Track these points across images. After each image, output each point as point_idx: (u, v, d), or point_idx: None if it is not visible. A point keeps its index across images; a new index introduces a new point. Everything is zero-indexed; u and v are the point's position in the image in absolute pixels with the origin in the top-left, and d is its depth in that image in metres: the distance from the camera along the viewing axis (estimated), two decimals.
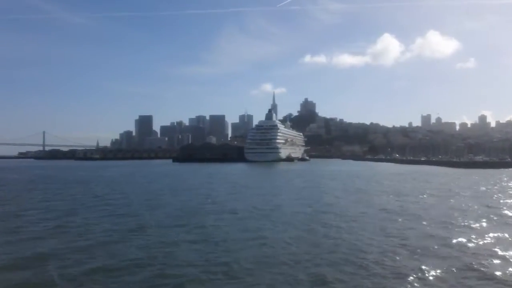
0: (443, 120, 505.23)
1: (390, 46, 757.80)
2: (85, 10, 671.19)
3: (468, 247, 20.63)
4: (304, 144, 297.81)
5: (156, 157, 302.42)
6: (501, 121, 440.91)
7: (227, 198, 43.55)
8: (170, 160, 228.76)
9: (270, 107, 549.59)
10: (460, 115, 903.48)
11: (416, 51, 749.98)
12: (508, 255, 18.87)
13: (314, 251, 19.77)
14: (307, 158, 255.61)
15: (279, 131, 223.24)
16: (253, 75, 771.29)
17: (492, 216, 30.70)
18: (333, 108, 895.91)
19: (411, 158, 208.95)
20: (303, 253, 19.38)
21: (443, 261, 17.83)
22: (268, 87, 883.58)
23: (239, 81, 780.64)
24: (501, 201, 40.92)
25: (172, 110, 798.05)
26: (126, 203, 39.46)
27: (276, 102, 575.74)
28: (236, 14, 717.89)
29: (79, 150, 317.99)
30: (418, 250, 19.74)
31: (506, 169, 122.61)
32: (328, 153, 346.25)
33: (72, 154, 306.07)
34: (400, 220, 29.05)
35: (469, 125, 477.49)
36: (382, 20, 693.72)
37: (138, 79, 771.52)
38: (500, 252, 19.44)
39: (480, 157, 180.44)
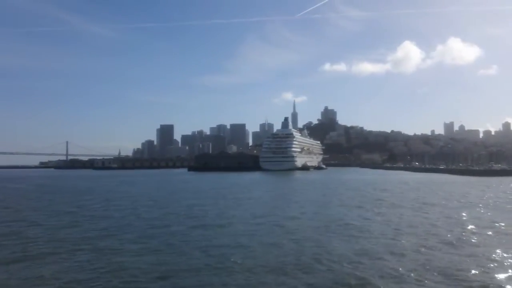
0: (466, 128, 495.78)
1: (410, 53, 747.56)
2: (108, 21, 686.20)
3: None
4: (322, 152, 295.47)
5: (174, 166, 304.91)
6: None
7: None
8: (187, 169, 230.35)
9: (290, 116, 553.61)
10: (483, 122, 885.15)
11: (437, 58, 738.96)
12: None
13: None
14: (324, 166, 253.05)
15: (294, 139, 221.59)
16: (274, 84, 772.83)
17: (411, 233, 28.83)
18: (354, 116, 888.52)
19: (430, 166, 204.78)
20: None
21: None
22: (289, 95, 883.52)
23: (261, 89, 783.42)
24: (464, 215, 38.57)
25: (193, 119, 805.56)
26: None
27: (297, 110, 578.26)
28: (258, 24, 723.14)
29: (97, 159, 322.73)
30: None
31: None
32: (347, 161, 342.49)
33: (91, 164, 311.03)
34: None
35: (493, 133, 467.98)
36: (402, 27, 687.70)
37: (160, 88, 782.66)
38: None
39: (499, 165, 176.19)
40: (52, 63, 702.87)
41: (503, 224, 31.87)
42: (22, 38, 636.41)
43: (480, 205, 45.62)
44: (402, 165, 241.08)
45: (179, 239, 26.33)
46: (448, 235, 26.96)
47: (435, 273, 18.12)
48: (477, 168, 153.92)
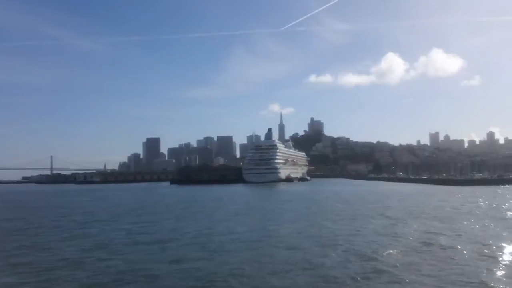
0: (452, 138, 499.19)
1: (394, 65, 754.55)
2: (93, 34, 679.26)
3: None
4: (307, 163, 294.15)
5: (159, 179, 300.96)
6: (509, 138, 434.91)
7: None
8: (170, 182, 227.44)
9: (277, 127, 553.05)
10: (468, 132, 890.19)
11: (421, 69, 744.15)
12: None
13: None
14: (308, 178, 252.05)
15: (278, 151, 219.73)
16: (261, 96, 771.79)
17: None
18: (341, 127, 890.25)
19: (413, 176, 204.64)
20: None
21: None
22: (276, 107, 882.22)
23: (247, 101, 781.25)
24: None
25: (180, 132, 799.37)
26: None
27: (284, 122, 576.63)
28: (244, 36, 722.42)
29: (79, 174, 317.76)
30: None
31: (503, 186, 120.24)
32: (333, 172, 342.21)
33: (74, 178, 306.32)
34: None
35: (477, 142, 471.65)
36: (386, 39, 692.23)
37: (146, 101, 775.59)
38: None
39: (480, 174, 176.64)
40: (37, 77, 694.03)
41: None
42: (5, 52, 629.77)
43: (433, 216, 44.61)
44: (386, 176, 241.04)
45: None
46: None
47: None
48: (459, 178, 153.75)
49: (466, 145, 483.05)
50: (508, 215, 45.28)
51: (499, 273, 20.20)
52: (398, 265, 21.72)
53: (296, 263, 22.66)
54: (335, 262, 22.84)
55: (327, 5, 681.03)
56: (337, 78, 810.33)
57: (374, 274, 20.06)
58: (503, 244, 27.09)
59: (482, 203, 60.83)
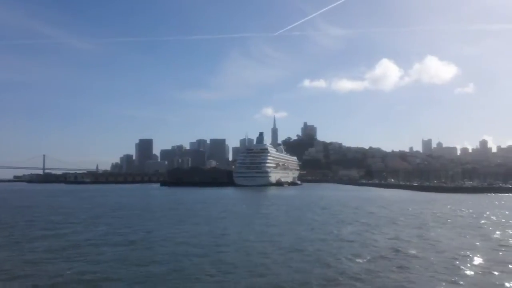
0: (444, 145, 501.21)
1: (388, 71, 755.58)
2: (87, 34, 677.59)
3: None
4: (298, 168, 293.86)
5: (150, 181, 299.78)
6: (502, 146, 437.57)
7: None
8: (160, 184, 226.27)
9: (270, 131, 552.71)
10: (462, 140, 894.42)
11: (415, 76, 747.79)
12: None
13: None
14: (299, 182, 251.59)
15: (269, 154, 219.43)
16: (255, 99, 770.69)
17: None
18: (334, 132, 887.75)
19: (403, 183, 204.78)
20: None
21: None
22: (269, 111, 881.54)
23: (241, 105, 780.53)
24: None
25: (173, 134, 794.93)
26: None
27: (277, 126, 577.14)
28: (240, 40, 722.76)
29: (70, 173, 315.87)
30: None
31: (493, 194, 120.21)
32: (325, 177, 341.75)
33: (65, 178, 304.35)
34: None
35: (470, 150, 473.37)
36: (381, 45, 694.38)
37: (140, 103, 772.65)
38: None
39: (471, 182, 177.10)
40: (30, 76, 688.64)
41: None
42: (1, 50, 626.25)
43: (409, 223, 44.64)
44: (377, 181, 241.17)
45: None
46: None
47: None
48: (448, 185, 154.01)
49: (458, 152, 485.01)
50: (486, 224, 45.07)
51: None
52: (348, 273, 21.48)
53: (237, 266, 22.57)
54: (282, 264, 22.65)
55: (322, 10, 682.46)
56: (331, 83, 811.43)
57: (321, 281, 19.86)
58: (469, 254, 26.69)
59: (464, 211, 60.81)
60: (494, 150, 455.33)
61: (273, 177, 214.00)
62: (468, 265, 23.55)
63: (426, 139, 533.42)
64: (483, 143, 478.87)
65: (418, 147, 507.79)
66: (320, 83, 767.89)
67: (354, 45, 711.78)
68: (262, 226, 41.80)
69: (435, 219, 49.20)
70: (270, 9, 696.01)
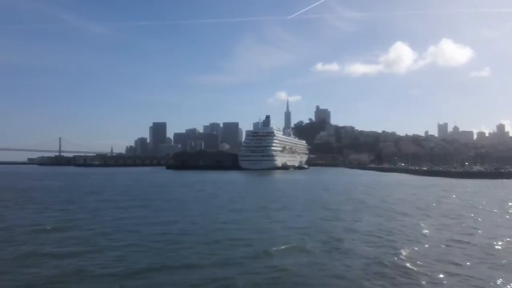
0: (461, 129, 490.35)
1: (403, 54, 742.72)
2: (103, 19, 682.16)
3: None
4: (307, 152, 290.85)
5: (159, 164, 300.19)
6: None
7: None
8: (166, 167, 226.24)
9: (284, 115, 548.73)
10: (479, 124, 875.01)
11: (429, 59, 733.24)
12: None
13: None
14: (306, 166, 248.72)
15: (275, 138, 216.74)
16: (269, 83, 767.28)
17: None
18: (347, 116, 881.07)
19: (412, 167, 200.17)
20: None
21: None
22: (283, 95, 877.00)
23: (255, 88, 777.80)
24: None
25: (187, 118, 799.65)
26: None
27: (291, 109, 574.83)
28: (253, 23, 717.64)
29: (79, 156, 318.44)
30: None
31: (496, 180, 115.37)
32: (334, 161, 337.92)
33: (75, 161, 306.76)
34: None
35: (487, 134, 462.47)
36: (396, 28, 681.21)
37: (154, 86, 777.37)
38: None
39: (478, 166, 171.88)
40: (47, 60, 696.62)
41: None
42: (15, 35, 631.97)
43: (382, 210, 41.37)
44: (386, 166, 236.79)
45: None
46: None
47: None
48: (453, 170, 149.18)
49: (475, 137, 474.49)
50: (460, 213, 40.41)
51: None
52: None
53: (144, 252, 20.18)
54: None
55: None
56: (344, 66, 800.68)
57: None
58: (416, 249, 23.38)
59: (447, 198, 55.98)
60: (511, 134, 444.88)
61: (279, 160, 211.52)
62: None
63: (442, 123, 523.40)
64: (500, 127, 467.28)
65: (434, 132, 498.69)
66: (333, 67, 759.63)
67: (369, 28, 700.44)
68: (231, 210, 39.43)
69: (412, 206, 45.60)
70: None
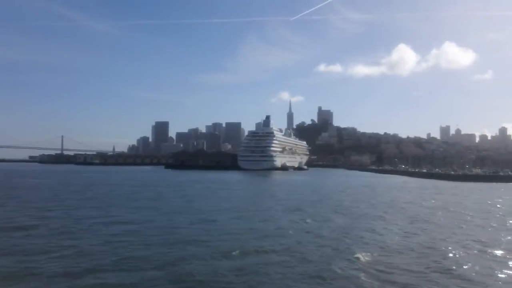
0: (463, 132, 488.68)
1: (405, 56, 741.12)
2: (106, 17, 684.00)
3: None
4: (307, 153, 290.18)
5: (159, 163, 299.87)
6: None
7: None
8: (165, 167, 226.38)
9: (286, 116, 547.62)
10: (481, 127, 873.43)
11: (432, 62, 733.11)
12: None
13: None
14: (305, 167, 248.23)
15: (275, 138, 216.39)
16: (272, 83, 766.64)
17: None
18: (349, 117, 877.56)
19: (412, 170, 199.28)
20: None
21: None
22: (286, 95, 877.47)
23: (258, 88, 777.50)
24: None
25: (189, 117, 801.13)
26: None
27: (293, 110, 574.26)
28: (258, 23, 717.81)
29: (79, 154, 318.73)
30: None
31: (491, 183, 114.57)
32: (335, 162, 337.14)
33: (75, 159, 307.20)
34: None
35: (489, 137, 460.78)
36: (399, 30, 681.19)
37: (157, 85, 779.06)
38: None
39: (478, 169, 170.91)
40: (50, 58, 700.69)
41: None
42: (20, 32, 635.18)
43: (360, 213, 40.97)
44: (387, 168, 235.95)
45: None
46: None
47: None
48: (454, 173, 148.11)
49: (477, 140, 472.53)
50: (436, 219, 39.37)
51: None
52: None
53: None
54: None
55: None
56: (347, 68, 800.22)
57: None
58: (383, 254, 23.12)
59: (433, 202, 55.12)
60: None
61: (279, 161, 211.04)
62: None
63: (444, 125, 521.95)
64: (503, 130, 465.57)
65: (436, 134, 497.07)
66: (336, 68, 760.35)
67: (372, 30, 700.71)
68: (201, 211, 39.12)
69: (394, 209, 45.25)
70: None
